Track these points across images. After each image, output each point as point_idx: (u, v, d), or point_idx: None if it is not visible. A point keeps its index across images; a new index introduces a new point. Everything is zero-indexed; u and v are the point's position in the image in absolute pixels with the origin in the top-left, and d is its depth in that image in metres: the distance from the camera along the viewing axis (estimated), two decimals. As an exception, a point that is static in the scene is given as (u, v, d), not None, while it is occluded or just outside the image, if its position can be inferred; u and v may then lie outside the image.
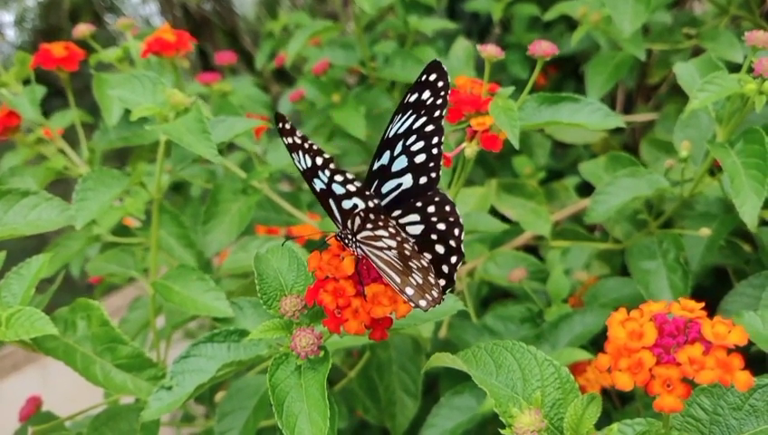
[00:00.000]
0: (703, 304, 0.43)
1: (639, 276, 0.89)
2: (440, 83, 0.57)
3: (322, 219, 1.11)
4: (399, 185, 0.58)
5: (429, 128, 0.57)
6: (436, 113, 0.57)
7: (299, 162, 0.54)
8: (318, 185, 0.54)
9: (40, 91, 1.01)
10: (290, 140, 0.52)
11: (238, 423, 0.76)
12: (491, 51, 0.75)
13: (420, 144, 0.57)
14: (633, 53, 1.08)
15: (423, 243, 0.56)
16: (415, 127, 0.57)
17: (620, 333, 0.42)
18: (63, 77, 1.00)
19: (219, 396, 0.79)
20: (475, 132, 0.76)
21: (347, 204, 0.54)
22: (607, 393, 0.94)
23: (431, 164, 0.57)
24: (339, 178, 0.52)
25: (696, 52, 1.22)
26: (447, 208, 0.56)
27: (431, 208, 0.56)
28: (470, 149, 0.76)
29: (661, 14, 1.23)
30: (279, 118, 0.52)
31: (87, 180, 0.73)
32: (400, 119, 0.57)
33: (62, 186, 1.09)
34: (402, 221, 0.57)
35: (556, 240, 1.08)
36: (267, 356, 0.62)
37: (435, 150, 0.57)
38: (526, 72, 1.56)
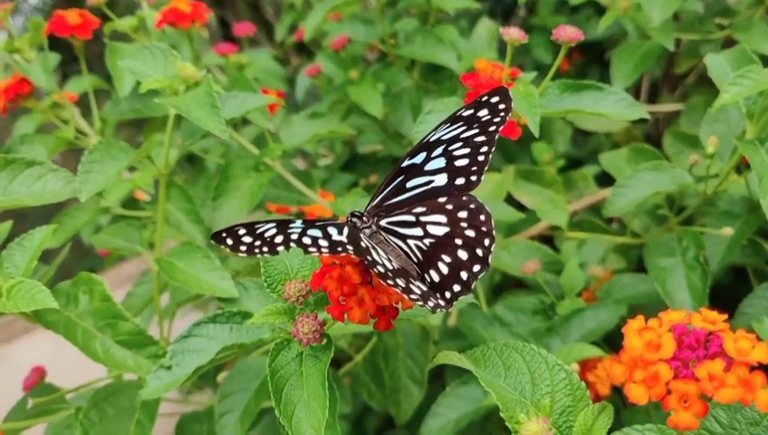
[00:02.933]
0: (726, 316, 0.41)
1: (656, 274, 0.86)
2: (502, 106, 0.57)
3: (335, 199, 1.09)
4: (430, 182, 0.57)
5: (480, 138, 0.57)
6: (492, 128, 0.56)
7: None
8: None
9: (53, 58, 1.00)
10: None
11: (239, 405, 0.74)
12: (514, 34, 0.72)
13: (465, 150, 0.57)
14: (662, 42, 1.04)
15: (444, 245, 0.54)
16: (463, 136, 0.57)
17: (637, 343, 0.40)
18: (77, 45, 0.99)
19: (222, 376, 0.77)
20: (494, 119, 0.74)
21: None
22: (617, 391, 0.92)
23: (474, 168, 0.56)
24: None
25: (728, 42, 1.19)
26: (482, 218, 0.54)
27: (463, 213, 0.55)
28: (488, 136, 0.74)
29: (693, 2, 1.18)
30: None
31: (93, 152, 0.71)
32: (447, 127, 0.57)
33: (76, 155, 1.08)
34: (425, 219, 0.55)
35: (572, 231, 1.06)
36: (270, 340, 0.61)
37: (481, 157, 0.56)
38: (550, 56, 1.53)
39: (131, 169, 0.99)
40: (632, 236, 1.01)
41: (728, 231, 0.84)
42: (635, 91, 1.56)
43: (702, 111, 1.21)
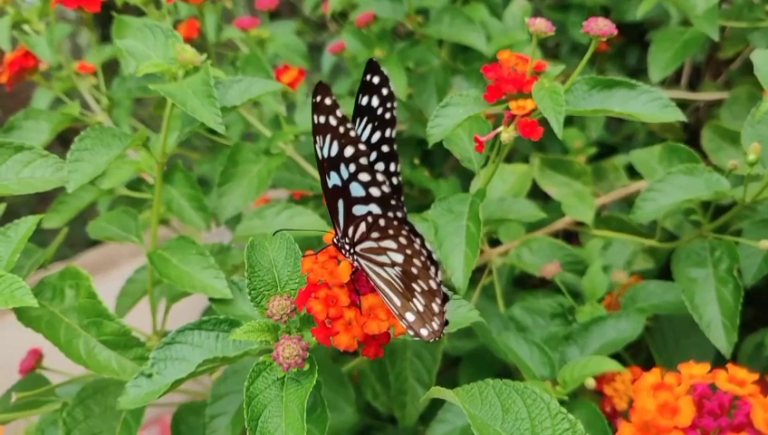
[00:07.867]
0: (756, 377, 0.36)
1: (685, 285, 0.80)
2: (384, 91, 0.48)
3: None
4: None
5: (385, 148, 0.49)
6: (387, 132, 0.48)
7: (321, 148, 0.45)
8: (333, 180, 0.46)
9: (60, 30, 0.96)
10: (322, 120, 0.44)
11: (232, 408, 0.71)
12: (540, 25, 0.66)
13: (381, 165, 0.49)
14: (705, 31, 0.96)
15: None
16: (373, 141, 0.49)
17: (650, 405, 0.35)
18: (86, 17, 0.94)
19: (215, 376, 0.74)
20: (514, 116, 0.68)
21: (359, 210, 0.47)
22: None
23: (396, 195, 0.48)
24: (365, 177, 0.45)
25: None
26: (418, 241, 0.46)
27: (402, 240, 0.46)
28: (506, 135, 0.68)
29: (742, -14, 1.10)
30: (320, 90, 0.44)
31: (84, 139, 0.67)
32: (360, 123, 0.49)
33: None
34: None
35: (599, 228, 1.00)
36: (257, 352, 0.57)
37: (395, 180, 0.49)
38: (588, 37, 1.45)
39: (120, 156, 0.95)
40: (661, 239, 0.95)
41: (766, 244, 0.77)
42: (675, 76, 1.47)
43: (745, 104, 1.13)
